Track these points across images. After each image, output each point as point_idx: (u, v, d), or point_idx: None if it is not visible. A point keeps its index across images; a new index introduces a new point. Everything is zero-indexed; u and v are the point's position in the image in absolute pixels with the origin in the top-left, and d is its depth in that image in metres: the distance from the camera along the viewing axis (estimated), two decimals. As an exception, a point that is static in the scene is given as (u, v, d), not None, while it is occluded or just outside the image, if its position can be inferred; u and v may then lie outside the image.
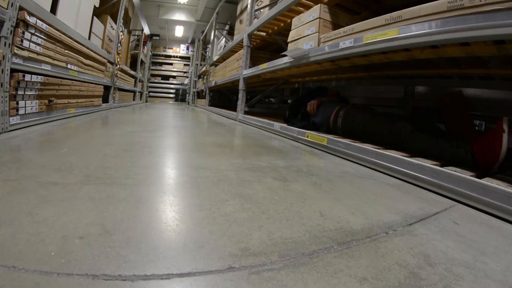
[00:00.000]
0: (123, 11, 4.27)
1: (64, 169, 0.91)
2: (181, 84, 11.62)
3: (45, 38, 1.90)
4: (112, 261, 0.45)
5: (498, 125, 1.01)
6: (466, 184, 0.86)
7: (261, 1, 3.39)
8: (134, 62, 7.09)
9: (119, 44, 4.38)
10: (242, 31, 3.82)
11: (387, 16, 1.31)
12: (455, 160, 1.13)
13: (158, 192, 0.78)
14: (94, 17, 3.17)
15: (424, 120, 1.46)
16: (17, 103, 1.64)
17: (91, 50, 2.99)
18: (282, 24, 3.06)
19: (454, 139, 1.18)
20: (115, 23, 4.14)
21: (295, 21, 2.18)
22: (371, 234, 0.62)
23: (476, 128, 1.87)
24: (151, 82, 10.76)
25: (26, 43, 1.66)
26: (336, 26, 1.88)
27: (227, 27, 7.19)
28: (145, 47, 8.24)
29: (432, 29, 1.07)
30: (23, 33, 1.62)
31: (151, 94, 10.90)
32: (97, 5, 3.26)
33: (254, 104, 4.93)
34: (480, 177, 0.88)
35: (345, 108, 1.74)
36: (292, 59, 2.16)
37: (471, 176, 0.88)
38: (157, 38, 9.53)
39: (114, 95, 4.35)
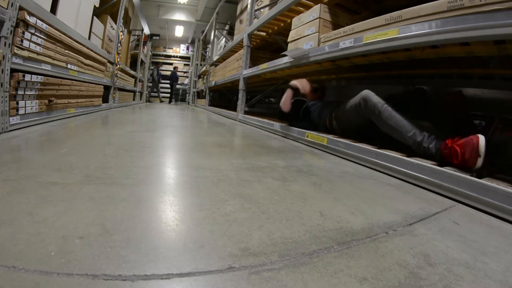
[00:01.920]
0: (123, 11, 4.27)
1: (64, 169, 0.91)
2: (181, 84, 11.62)
3: (45, 38, 1.90)
4: (112, 261, 0.45)
5: (474, 146, 0.95)
6: (466, 184, 0.86)
7: (261, 1, 3.39)
8: (134, 62, 7.10)
9: (119, 44, 4.38)
10: (242, 31, 3.82)
11: (387, 16, 1.31)
12: (420, 152, 1.16)
13: (158, 192, 0.78)
14: (94, 17, 3.17)
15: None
16: (17, 103, 1.64)
17: (91, 50, 2.99)
18: (282, 24, 3.06)
19: (426, 129, 1.18)
20: (115, 23, 4.14)
21: (295, 21, 2.18)
22: (371, 234, 0.62)
23: (476, 128, 1.86)
24: (151, 82, 10.74)
25: (26, 43, 1.66)
26: (336, 26, 1.88)
27: (227, 27, 7.19)
28: (145, 47, 8.24)
29: (432, 29, 1.07)
30: (23, 33, 1.62)
31: (151, 94, 10.88)
32: (97, 5, 3.26)
33: (254, 104, 4.93)
34: (480, 177, 0.88)
35: (334, 112, 1.75)
36: (292, 59, 2.16)
37: (471, 176, 0.88)
38: (157, 38, 9.53)
39: (114, 95, 4.35)
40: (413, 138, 1.18)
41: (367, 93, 1.44)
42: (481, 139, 0.96)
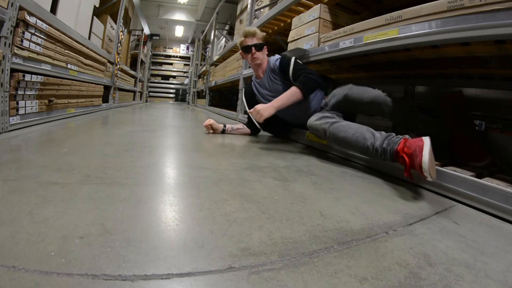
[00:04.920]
0: (123, 11, 4.27)
1: (64, 169, 0.91)
2: (181, 84, 11.62)
3: (45, 38, 1.90)
4: (112, 261, 0.45)
5: (418, 164, 0.86)
6: (466, 184, 0.86)
7: (261, 1, 3.39)
8: (134, 62, 7.10)
9: (119, 44, 4.38)
10: (242, 31, 3.82)
11: (387, 16, 1.31)
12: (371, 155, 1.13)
13: (158, 192, 0.78)
14: (94, 17, 3.17)
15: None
16: (17, 103, 1.64)
17: (91, 50, 2.99)
18: (282, 24, 3.06)
19: (379, 134, 1.13)
20: (115, 23, 4.14)
21: (295, 21, 2.18)
22: (371, 234, 0.62)
23: (476, 128, 1.87)
24: (151, 82, 10.77)
25: (26, 43, 1.66)
26: (336, 26, 1.88)
27: (227, 27, 7.18)
28: (145, 47, 8.24)
29: (432, 29, 1.07)
30: (23, 33, 1.62)
31: (151, 94, 10.90)
32: (97, 5, 3.26)
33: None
34: (480, 177, 0.88)
35: None
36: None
37: (471, 176, 0.88)
38: (157, 38, 9.52)
39: (114, 95, 4.35)
40: (369, 153, 1.13)
41: (309, 123, 1.41)
42: (425, 156, 0.83)
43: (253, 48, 1.76)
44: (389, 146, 1.06)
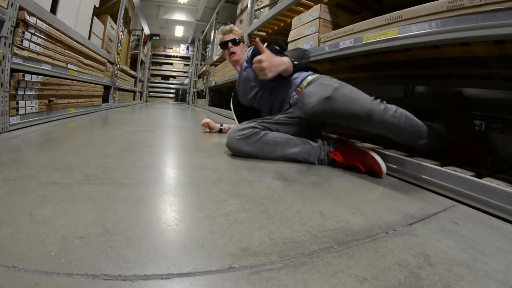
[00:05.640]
0: (123, 11, 4.27)
1: (64, 169, 0.91)
2: (181, 84, 11.62)
3: (45, 38, 1.90)
4: (112, 261, 0.45)
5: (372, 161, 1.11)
6: (466, 184, 0.86)
7: (261, 1, 3.39)
8: (134, 62, 7.10)
9: (119, 44, 4.38)
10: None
11: (387, 16, 1.31)
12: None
13: (158, 192, 0.78)
14: (94, 17, 3.17)
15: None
16: (17, 103, 1.64)
17: (91, 50, 2.99)
18: (282, 24, 3.06)
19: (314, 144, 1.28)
20: (115, 23, 4.14)
21: (295, 21, 2.18)
22: (371, 234, 0.62)
23: (476, 128, 1.87)
24: (151, 82, 10.77)
25: (26, 43, 1.66)
26: (336, 26, 1.88)
27: (227, 27, 7.18)
28: (145, 47, 8.24)
29: (432, 29, 1.07)
30: (23, 33, 1.62)
31: (151, 94, 10.91)
32: (97, 5, 3.26)
33: (254, 104, 4.91)
34: (480, 177, 0.88)
35: None
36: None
37: (471, 176, 0.88)
38: (157, 38, 9.53)
39: (114, 95, 4.35)
40: (305, 161, 1.27)
41: (227, 142, 1.31)
42: (382, 165, 1.08)
43: (229, 43, 1.70)
44: (325, 156, 1.25)
